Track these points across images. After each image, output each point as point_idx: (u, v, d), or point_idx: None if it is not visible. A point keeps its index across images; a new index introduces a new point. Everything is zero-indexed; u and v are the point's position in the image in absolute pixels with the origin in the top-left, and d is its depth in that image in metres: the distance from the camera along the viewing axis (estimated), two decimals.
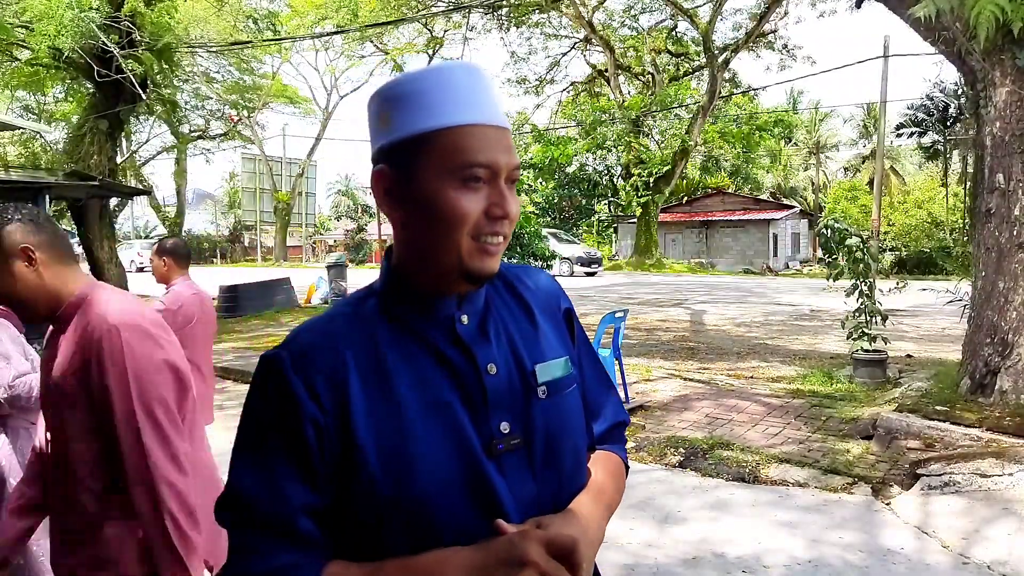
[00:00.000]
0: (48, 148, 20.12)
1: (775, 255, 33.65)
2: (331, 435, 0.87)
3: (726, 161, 41.17)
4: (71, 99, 17.77)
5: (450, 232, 0.88)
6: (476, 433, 0.90)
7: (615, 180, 35.97)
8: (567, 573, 0.84)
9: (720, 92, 27.63)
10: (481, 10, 20.72)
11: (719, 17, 25.16)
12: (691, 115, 29.68)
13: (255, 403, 0.92)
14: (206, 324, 3.72)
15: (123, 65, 11.55)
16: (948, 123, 32.87)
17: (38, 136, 20.08)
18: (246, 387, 5.47)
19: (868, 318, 7.04)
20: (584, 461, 1.03)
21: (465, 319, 0.94)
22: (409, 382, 0.90)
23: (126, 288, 14.09)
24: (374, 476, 0.86)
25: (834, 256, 7.40)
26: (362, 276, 23.40)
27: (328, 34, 21.65)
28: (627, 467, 1.14)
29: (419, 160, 0.88)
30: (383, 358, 0.90)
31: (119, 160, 18.12)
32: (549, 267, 11.48)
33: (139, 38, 11.83)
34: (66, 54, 11.14)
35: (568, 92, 34.54)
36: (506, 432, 0.91)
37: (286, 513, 0.87)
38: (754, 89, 34.77)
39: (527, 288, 1.04)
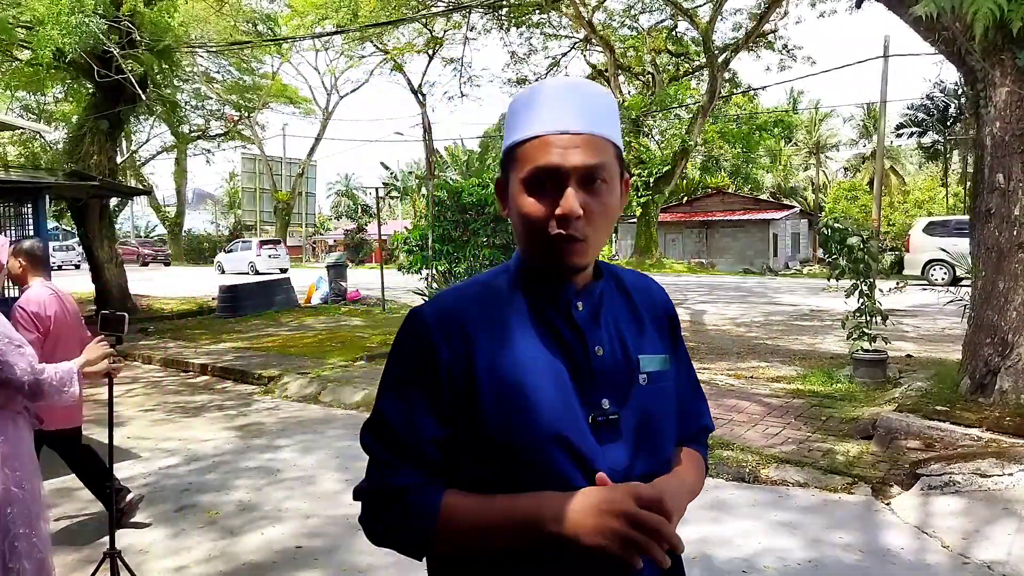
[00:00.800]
0: (48, 148, 20.11)
1: (775, 255, 33.64)
2: (458, 379, 1.02)
3: (726, 161, 41.18)
4: (71, 99, 17.76)
5: (527, 231, 1.03)
6: (580, 403, 1.02)
7: None
8: (656, 517, 0.94)
9: (720, 92, 27.62)
10: (481, 10, 20.71)
11: (719, 17, 25.15)
12: (691, 115, 29.67)
13: (402, 347, 1.08)
14: (70, 324, 3.71)
15: (123, 65, 11.55)
16: (948, 123, 32.88)
17: (38, 136, 20.06)
18: (246, 387, 5.52)
19: (868, 318, 7.04)
20: (672, 447, 1.14)
21: (580, 306, 1.07)
22: (529, 350, 1.03)
23: (126, 288, 14.09)
24: (488, 419, 1.00)
25: (834, 256, 7.39)
26: (362, 276, 23.39)
27: (328, 34, 21.63)
28: (707, 468, 1.26)
29: (508, 170, 1.06)
30: (510, 325, 1.05)
31: (119, 160, 18.11)
32: None
33: (139, 38, 11.83)
34: (68, 56, 11.14)
35: None
36: (606, 407, 1.03)
37: (419, 441, 1.03)
38: (754, 89, 34.77)
39: (638, 292, 1.17)
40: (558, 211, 0.98)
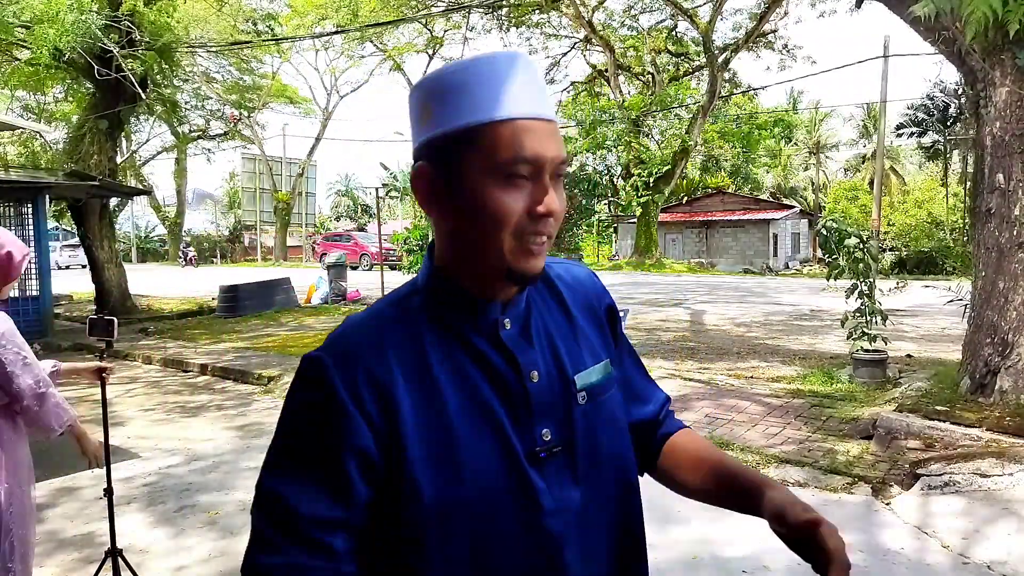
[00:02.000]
0: (48, 148, 20.12)
1: (775, 255, 33.64)
2: (375, 441, 0.84)
3: (726, 161, 41.19)
4: (71, 99, 17.77)
5: (493, 232, 0.85)
6: (519, 440, 0.89)
7: (615, 180, 35.96)
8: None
9: (720, 92, 27.62)
10: (481, 10, 20.72)
11: (719, 17, 25.16)
12: (691, 115, 29.67)
13: (295, 405, 0.88)
14: None
15: (123, 65, 11.55)
16: (948, 123, 32.88)
17: (38, 136, 20.07)
18: (246, 387, 5.52)
19: (868, 318, 7.04)
20: (629, 458, 1.01)
21: (508, 324, 0.92)
22: (454, 387, 0.88)
23: (126, 288, 14.09)
24: (419, 481, 0.84)
25: (834, 256, 7.39)
26: (362, 276, 23.40)
27: (328, 34, 21.64)
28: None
29: (462, 156, 0.85)
30: (428, 361, 0.88)
31: (119, 160, 18.10)
32: None
33: (139, 38, 11.84)
34: (67, 55, 11.14)
35: (568, 92, 34.53)
36: (548, 439, 0.90)
37: (314, 521, 0.83)
38: (754, 89, 34.78)
39: (566, 286, 1.02)
40: (541, 209, 0.84)
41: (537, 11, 23.32)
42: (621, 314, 1.11)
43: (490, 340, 0.91)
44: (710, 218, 34.49)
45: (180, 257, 37.74)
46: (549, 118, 0.87)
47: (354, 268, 28.31)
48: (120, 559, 3.06)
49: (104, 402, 3.04)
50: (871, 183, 32.53)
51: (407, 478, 0.84)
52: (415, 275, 0.97)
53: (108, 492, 3.05)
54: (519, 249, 0.86)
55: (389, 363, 0.87)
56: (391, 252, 26.94)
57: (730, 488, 1.04)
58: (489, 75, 0.85)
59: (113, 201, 17.34)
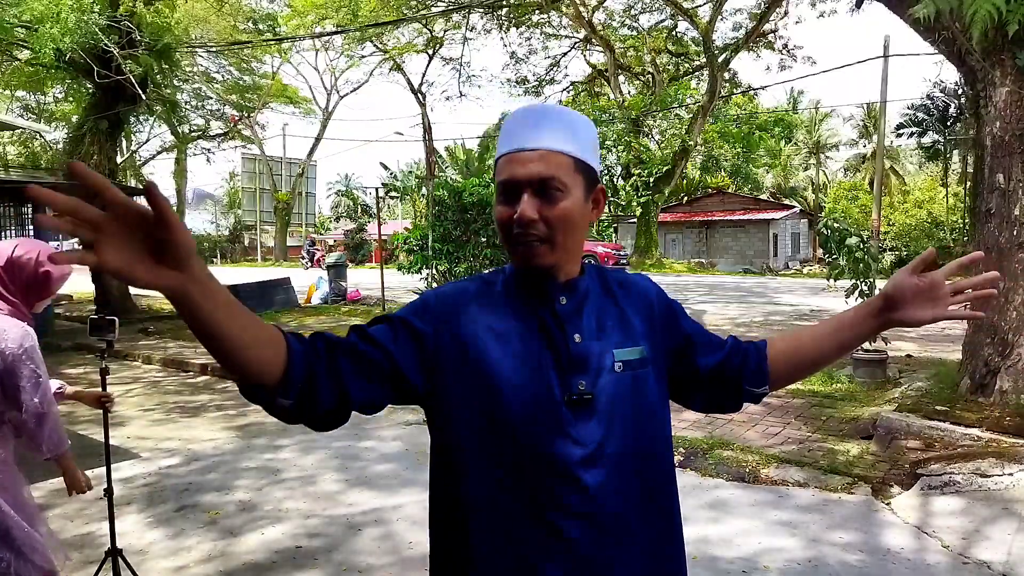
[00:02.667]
0: (48, 148, 20.12)
1: (775, 255, 33.63)
2: (436, 352, 1.15)
3: (726, 161, 41.17)
4: (71, 99, 17.76)
5: (500, 234, 1.19)
6: (558, 383, 1.13)
7: (615, 180, 35.96)
8: None
9: (720, 92, 27.62)
10: (481, 10, 20.72)
11: (719, 17, 25.15)
12: (691, 115, 29.67)
13: (409, 305, 1.23)
14: None
15: (123, 65, 11.55)
16: (948, 123, 32.85)
17: (38, 136, 20.07)
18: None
19: None
20: (654, 423, 1.21)
21: (564, 300, 1.18)
22: (517, 337, 1.16)
23: (126, 288, 14.09)
24: (471, 391, 1.14)
25: (834, 256, 7.39)
26: (362, 276, 23.39)
27: (328, 34, 21.65)
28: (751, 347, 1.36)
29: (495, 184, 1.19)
30: (498, 315, 1.17)
31: (119, 160, 18.10)
32: None
33: (139, 38, 11.83)
34: (67, 55, 11.14)
35: (568, 92, 34.52)
36: (582, 388, 1.14)
37: (377, 345, 1.13)
38: (754, 89, 34.76)
39: (621, 288, 1.26)
40: (516, 216, 1.11)
41: (537, 11, 23.32)
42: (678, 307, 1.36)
43: (548, 310, 1.18)
44: (710, 218, 34.48)
45: (303, 257, 35.32)
46: (536, 147, 1.13)
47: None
48: (120, 559, 3.06)
49: (106, 422, 3.04)
50: (871, 183, 32.52)
51: (461, 385, 1.14)
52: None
53: (108, 492, 3.04)
54: (511, 246, 1.16)
55: (468, 310, 1.18)
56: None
57: (843, 327, 1.30)
58: (507, 123, 1.19)
59: None
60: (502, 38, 25.90)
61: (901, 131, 35.46)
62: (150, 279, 0.85)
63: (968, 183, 26.01)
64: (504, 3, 20.37)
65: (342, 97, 44.58)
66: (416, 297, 1.27)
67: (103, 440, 3.04)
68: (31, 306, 2.37)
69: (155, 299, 16.34)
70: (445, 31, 24.34)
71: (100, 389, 2.89)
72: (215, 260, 43.09)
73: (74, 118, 16.92)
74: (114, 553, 3.04)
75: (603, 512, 1.11)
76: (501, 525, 1.12)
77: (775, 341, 1.34)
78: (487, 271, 1.30)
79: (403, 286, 16.34)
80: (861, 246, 7.11)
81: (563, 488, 1.10)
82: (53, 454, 2.38)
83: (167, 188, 48.98)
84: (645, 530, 1.15)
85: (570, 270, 1.19)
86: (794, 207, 38.46)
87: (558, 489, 1.10)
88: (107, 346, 2.93)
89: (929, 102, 33.34)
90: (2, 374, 2.21)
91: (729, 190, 38.51)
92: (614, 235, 36.81)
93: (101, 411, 3.06)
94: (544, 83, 31.81)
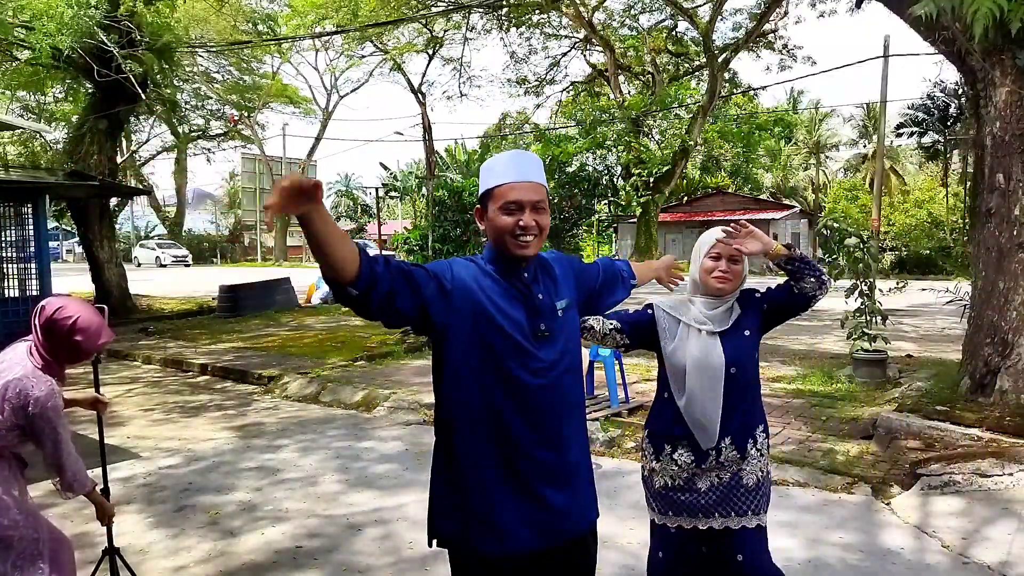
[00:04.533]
0: (48, 148, 20.11)
1: None
2: (457, 295, 1.77)
3: (726, 161, 41.15)
4: (71, 99, 17.74)
5: (501, 235, 1.81)
6: (529, 325, 1.82)
7: (615, 180, 35.93)
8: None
9: (720, 92, 27.60)
10: (481, 10, 20.71)
11: (719, 17, 25.13)
12: (691, 115, 29.65)
13: (437, 266, 1.83)
14: None
15: (123, 65, 11.54)
16: (948, 123, 32.84)
17: (38, 136, 20.06)
18: (246, 387, 5.54)
19: (868, 318, 7.04)
20: (577, 342, 1.99)
21: (526, 275, 1.86)
22: (499, 295, 1.81)
23: (126, 288, 14.09)
24: (477, 325, 1.77)
25: (834, 256, 7.39)
26: None
27: (328, 34, 21.64)
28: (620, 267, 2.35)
29: (489, 201, 1.84)
30: (489, 282, 1.82)
31: (119, 160, 18.10)
32: None
33: (139, 38, 11.82)
34: (66, 54, 11.12)
35: (568, 92, 34.51)
36: (543, 328, 1.84)
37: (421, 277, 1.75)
38: (754, 89, 34.74)
39: (555, 263, 2.00)
40: (521, 223, 1.78)
41: (537, 11, 23.30)
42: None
43: (519, 280, 1.85)
44: (710, 218, 34.45)
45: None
46: (532, 180, 1.83)
47: None
48: (118, 558, 3.06)
49: (100, 423, 3.04)
50: (871, 183, 32.52)
51: (472, 322, 1.77)
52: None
53: (105, 492, 3.04)
54: (512, 243, 1.81)
55: (467, 275, 1.81)
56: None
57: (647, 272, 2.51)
58: (503, 161, 1.86)
59: (113, 201, 17.34)
60: (502, 38, 25.88)
61: (901, 131, 35.47)
62: (298, 210, 1.46)
63: (968, 183, 26.00)
64: (504, 3, 20.36)
65: (342, 97, 44.62)
66: (441, 261, 1.86)
67: (100, 440, 3.05)
68: (63, 366, 2.43)
69: (155, 299, 16.33)
70: (445, 31, 24.31)
71: (94, 390, 2.90)
72: (215, 260, 43.08)
73: (74, 118, 16.90)
74: (112, 552, 3.04)
75: (556, 389, 1.83)
76: (489, 403, 1.78)
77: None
78: (466, 257, 1.92)
79: None
80: (861, 246, 7.10)
81: (531, 380, 1.79)
82: (75, 495, 2.47)
83: (167, 188, 49.07)
84: (572, 397, 1.89)
85: (534, 257, 1.86)
86: (794, 207, 38.47)
87: (528, 381, 1.79)
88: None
89: (929, 102, 33.33)
90: (25, 425, 2.32)
91: (729, 190, 38.50)
92: (614, 235, 36.80)
93: (97, 420, 3.08)
94: (544, 83, 31.80)
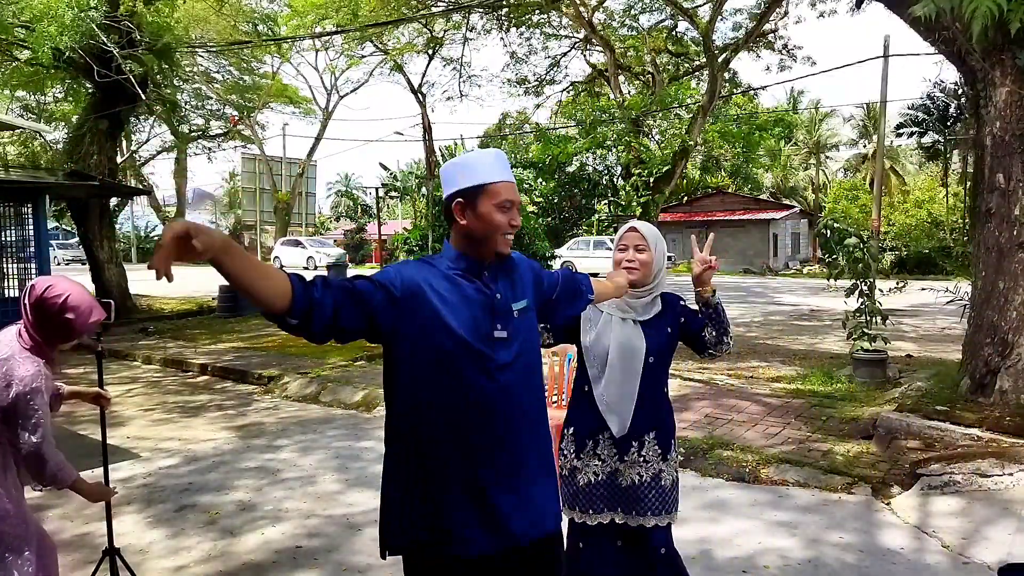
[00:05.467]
0: (48, 148, 20.11)
1: (775, 255, 33.62)
2: (398, 303, 1.71)
3: (726, 161, 41.13)
4: (71, 99, 17.73)
5: (494, 232, 1.81)
6: (484, 327, 1.78)
7: (615, 180, 35.92)
8: None
9: (720, 92, 27.59)
10: (481, 10, 20.71)
11: (719, 17, 25.12)
12: (691, 115, 29.64)
13: (383, 273, 1.77)
14: None
15: (123, 65, 11.54)
16: (948, 123, 32.82)
17: (38, 136, 20.06)
18: (246, 387, 5.55)
19: (868, 318, 7.04)
20: (536, 343, 1.94)
21: (487, 273, 1.84)
22: (456, 298, 1.77)
23: (126, 288, 14.08)
24: (428, 329, 1.73)
25: (834, 256, 7.39)
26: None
27: (328, 34, 21.63)
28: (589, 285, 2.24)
29: (480, 197, 1.80)
30: (446, 282, 1.79)
31: (119, 160, 18.10)
32: (549, 265, 11.53)
33: (139, 38, 11.82)
34: (66, 54, 11.12)
35: (568, 92, 34.50)
36: (498, 328, 1.80)
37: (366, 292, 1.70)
38: (754, 89, 34.72)
39: (518, 264, 1.97)
40: (514, 222, 1.83)
41: (537, 11, 23.30)
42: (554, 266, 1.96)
43: (480, 279, 1.83)
44: (710, 218, 34.45)
45: None
46: (512, 180, 1.85)
47: None
48: (118, 559, 3.06)
49: (103, 423, 3.04)
50: (871, 183, 32.52)
51: (423, 329, 1.73)
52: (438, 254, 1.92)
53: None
54: (502, 240, 1.83)
55: (419, 278, 1.76)
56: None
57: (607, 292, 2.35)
58: (489, 159, 1.85)
59: (113, 201, 17.33)
60: (502, 38, 25.85)
61: (901, 131, 35.46)
62: (198, 257, 1.37)
63: (968, 183, 25.99)
64: (504, 3, 20.36)
65: (342, 97, 44.46)
66: (389, 267, 1.82)
67: (102, 440, 3.04)
68: (53, 347, 2.39)
69: (155, 299, 16.33)
70: (445, 31, 24.30)
71: (98, 387, 2.89)
72: None
73: (74, 118, 16.90)
74: (112, 553, 3.04)
75: (511, 392, 1.80)
76: (444, 408, 1.75)
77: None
78: (428, 256, 1.93)
79: None
80: (860, 246, 7.10)
81: (486, 382, 1.76)
82: (55, 487, 2.41)
83: (167, 188, 49.08)
84: (530, 401, 1.85)
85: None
86: (794, 207, 38.45)
87: (484, 384, 1.76)
88: (103, 329, 2.95)
89: (929, 102, 33.32)
90: (8, 407, 2.26)
91: (729, 190, 38.48)
92: (614, 235, 36.72)
93: (99, 411, 3.07)
94: (544, 83, 31.80)
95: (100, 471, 3.07)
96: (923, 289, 9.31)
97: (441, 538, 1.74)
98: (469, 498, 1.75)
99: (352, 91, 48.46)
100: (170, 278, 1.38)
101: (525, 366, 1.84)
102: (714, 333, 2.51)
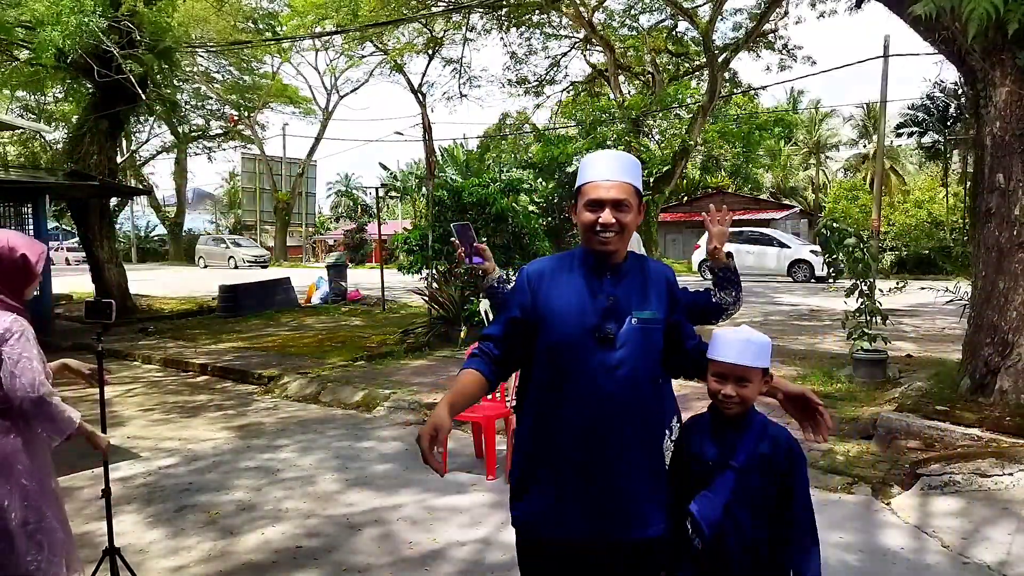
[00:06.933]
0: (48, 148, 20.12)
1: None
2: (530, 304, 1.93)
3: (726, 161, 41.13)
4: (71, 99, 17.74)
5: (584, 231, 1.92)
6: (595, 326, 1.86)
7: None
8: None
9: (720, 92, 27.61)
10: (481, 10, 20.71)
11: (719, 17, 25.13)
12: (691, 115, 29.65)
13: (516, 285, 2.02)
14: None
15: (123, 65, 11.54)
16: (948, 123, 32.80)
17: (38, 136, 20.07)
18: (246, 387, 5.54)
19: (868, 318, 7.04)
20: (652, 356, 1.93)
21: (608, 274, 1.92)
22: (575, 293, 1.90)
23: (126, 288, 14.08)
24: (549, 325, 1.90)
25: (834, 256, 7.38)
26: (362, 276, 23.38)
27: (328, 34, 21.64)
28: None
29: (577, 197, 1.95)
30: (570, 279, 1.93)
31: (119, 160, 18.11)
32: None
33: (139, 38, 11.82)
34: (68, 56, 11.11)
35: (568, 92, 34.51)
36: (609, 329, 1.86)
37: (488, 349, 1.99)
38: (754, 89, 34.75)
39: (647, 271, 2.00)
40: (600, 221, 1.87)
41: (537, 11, 23.30)
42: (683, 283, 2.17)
43: (599, 279, 1.92)
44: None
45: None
46: (615, 179, 1.89)
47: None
48: (118, 558, 3.06)
49: (103, 405, 3.04)
50: (871, 183, 32.53)
51: (545, 322, 1.90)
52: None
53: (106, 492, 3.04)
54: (593, 239, 1.90)
55: (552, 273, 1.96)
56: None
57: None
58: (590, 161, 1.96)
59: (113, 201, 17.35)
60: (502, 38, 25.86)
61: (901, 131, 35.43)
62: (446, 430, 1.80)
63: (968, 183, 25.99)
64: (504, 3, 20.36)
65: (342, 97, 44.51)
66: (519, 275, 2.02)
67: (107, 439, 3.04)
68: (20, 294, 2.38)
69: (155, 299, 16.34)
70: (445, 31, 24.29)
71: (97, 386, 2.89)
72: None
73: (74, 118, 16.91)
74: (112, 552, 3.04)
75: (612, 396, 1.85)
76: (554, 395, 1.89)
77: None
78: (573, 248, 2.07)
79: (403, 286, 16.33)
80: (861, 246, 7.10)
81: (591, 381, 1.85)
82: (61, 436, 2.41)
83: (167, 188, 49.05)
84: (636, 408, 1.88)
85: (620, 255, 1.94)
86: (794, 207, 38.45)
87: (587, 381, 1.85)
88: (103, 328, 2.95)
89: (929, 102, 33.30)
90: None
91: (729, 190, 38.47)
92: None
93: (99, 411, 3.07)
94: (544, 83, 31.81)
95: (100, 471, 3.07)
96: (923, 289, 9.31)
97: (550, 518, 1.88)
98: (567, 484, 1.87)
99: (352, 91, 48.50)
100: (442, 472, 1.78)
101: (627, 374, 1.86)
102: (733, 292, 2.49)
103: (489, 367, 1.94)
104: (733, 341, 1.92)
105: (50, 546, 2.36)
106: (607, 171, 1.89)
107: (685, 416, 2.12)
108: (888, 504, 4.22)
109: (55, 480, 2.50)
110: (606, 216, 1.85)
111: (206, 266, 33.46)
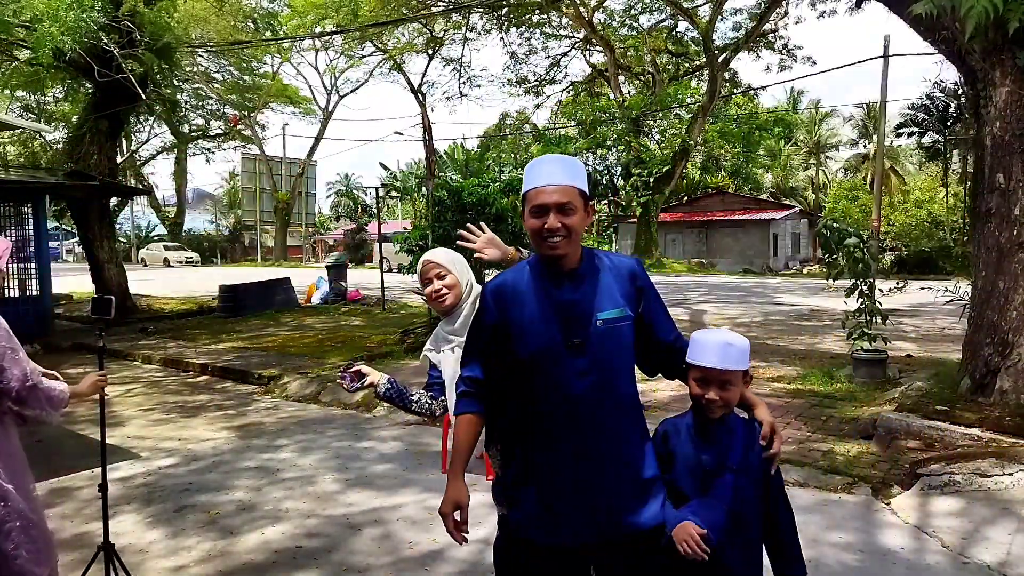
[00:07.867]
0: (48, 148, 20.12)
1: (775, 255, 33.62)
2: (500, 321, 1.91)
3: (726, 161, 41.17)
4: (71, 99, 17.74)
5: (533, 237, 1.87)
6: (562, 336, 1.84)
7: (615, 180, 35.96)
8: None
9: (720, 92, 27.61)
10: (481, 10, 20.71)
11: (719, 17, 25.14)
12: (691, 115, 29.66)
13: (480, 310, 1.99)
14: None
15: (123, 65, 11.54)
16: (948, 123, 32.80)
17: (38, 136, 20.07)
18: (246, 387, 5.54)
19: (868, 318, 7.03)
20: (624, 358, 1.91)
21: (566, 282, 1.88)
22: (536, 305, 1.87)
23: (126, 287, 14.08)
24: (516, 342, 1.88)
25: (834, 256, 7.37)
26: (362, 276, 23.37)
27: (328, 34, 21.65)
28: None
29: (523, 204, 1.90)
30: (529, 292, 1.89)
31: (119, 160, 18.11)
32: None
33: (139, 38, 11.82)
34: (67, 55, 11.12)
35: (568, 92, 34.52)
36: (575, 338, 1.84)
37: (472, 377, 1.98)
38: (754, 89, 34.78)
39: (612, 267, 1.94)
40: (546, 227, 1.83)
41: (537, 11, 23.31)
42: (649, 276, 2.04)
43: (557, 287, 1.88)
44: (710, 218, 34.46)
45: None
46: (554, 183, 1.85)
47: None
48: (112, 554, 3.05)
49: (103, 407, 3.04)
50: (871, 183, 32.53)
51: (512, 341, 1.88)
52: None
53: (103, 488, 3.05)
54: (541, 244, 1.86)
55: (513, 287, 1.91)
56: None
57: None
58: (534, 167, 1.92)
59: (113, 201, 17.35)
60: (502, 38, 25.87)
61: (901, 131, 35.43)
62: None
63: (968, 183, 25.99)
64: (504, 3, 20.36)
65: (342, 97, 44.47)
66: (482, 298, 1.99)
67: (101, 440, 3.04)
68: None
69: (155, 299, 16.34)
70: (445, 31, 24.30)
71: (98, 371, 2.87)
72: (215, 260, 43.07)
73: (74, 118, 16.91)
74: (106, 548, 3.03)
75: (587, 399, 1.84)
76: (531, 407, 1.89)
77: None
78: (518, 264, 2.03)
79: (403, 286, 16.32)
80: (860, 246, 7.09)
81: (567, 388, 1.84)
82: (61, 411, 2.44)
83: (167, 188, 49.06)
84: (611, 407, 1.88)
85: (575, 258, 1.89)
86: (794, 207, 38.45)
87: (563, 388, 1.84)
88: (105, 326, 2.97)
89: (929, 102, 33.30)
90: None
91: (729, 190, 38.49)
92: (614, 235, 36.83)
93: (99, 409, 3.06)
94: (544, 83, 31.82)
95: (99, 471, 3.07)
96: (923, 289, 9.31)
97: (542, 525, 1.90)
98: (563, 492, 1.88)
99: (352, 91, 48.48)
100: (464, 542, 1.95)
101: (598, 376, 1.85)
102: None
103: (479, 403, 1.95)
104: (713, 345, 1.91)
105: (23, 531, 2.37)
106: (549, 176, 1.87)
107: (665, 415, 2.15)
108: (888, 504, 4.22)
109: (30, 475, 2.51)
110: (551, 221, 1.81)
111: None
